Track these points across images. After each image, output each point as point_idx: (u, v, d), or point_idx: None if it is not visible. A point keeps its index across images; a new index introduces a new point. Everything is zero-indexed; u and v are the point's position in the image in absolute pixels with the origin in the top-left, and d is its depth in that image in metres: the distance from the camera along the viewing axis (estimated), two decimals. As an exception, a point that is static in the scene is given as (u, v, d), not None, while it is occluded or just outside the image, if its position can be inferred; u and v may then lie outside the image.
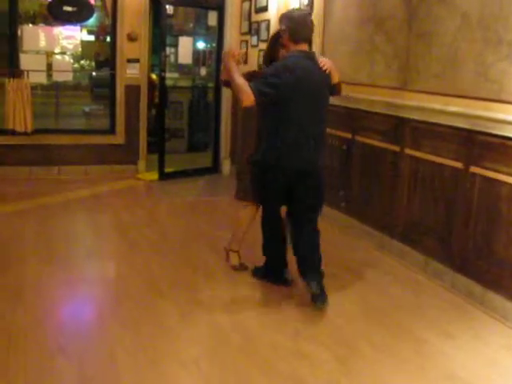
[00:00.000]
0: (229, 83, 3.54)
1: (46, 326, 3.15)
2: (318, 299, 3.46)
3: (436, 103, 3.95)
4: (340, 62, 4.99)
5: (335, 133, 5.07)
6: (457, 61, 3.79)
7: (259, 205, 3.84)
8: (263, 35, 6.36)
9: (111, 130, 6.96)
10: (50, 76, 6.81)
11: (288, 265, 3.81)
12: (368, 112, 4.72)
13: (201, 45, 8.64)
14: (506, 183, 3.42)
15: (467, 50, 3.71)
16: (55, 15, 6.61)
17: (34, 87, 6.65)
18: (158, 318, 3.29)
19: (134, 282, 3.80)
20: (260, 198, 3.76)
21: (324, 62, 3.54)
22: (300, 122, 3.44)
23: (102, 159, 6.88)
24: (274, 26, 5.81)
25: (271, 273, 3.83)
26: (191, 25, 8.92)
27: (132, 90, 6.85)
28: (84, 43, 7.34)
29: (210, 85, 7.91)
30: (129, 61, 6.76)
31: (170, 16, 7.26)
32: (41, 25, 6.98)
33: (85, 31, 7.64)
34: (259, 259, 3.92)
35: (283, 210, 3.76)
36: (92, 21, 7.19)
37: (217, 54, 7.30)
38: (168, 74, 7.05)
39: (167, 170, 6.91)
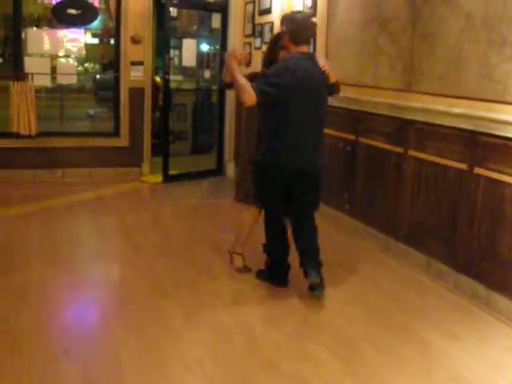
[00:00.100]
0: (230, 85, 3.56)
1: (51, 328, 3.16)
2: (316, 288, 3.54)
3: (440, 105, 3.94)
4: (344, 64, 5.01)
5: (339, 134, 5.07)
6: (461, 62, 3.78)
7: (261, 207, 3.85)
8: (267, 37, 6.35)
9: (115, 133, 6.97)
10: (54, 79, 6.80)
11: (291, 267, 3.81)
12: (372, 114, 4.70)
13: (205, 47, 8.64)
14: (510, 184, 3.41)
15: (471, 50, 3.70)
16: (59, 18, 6.64)
17: (38, 90, 6.66)
18: (162, 320, 3.29)
19: (138, 284, 3.80)
20: (261, 198, 3.78)
21: (323, 63, 3.58)
22: (300, 122, 3.47)
23: (106, 162, 6.88)
24: (278, 28, 5.81)
25: (275, 275, 3.83)
26: (195, 27, 8.93)
27: (136, 93, 6.86)
28: (88, 46, 7.35)
29: (214, 87, 7.92)
30: (133, 63, 6.77)
31: (173, 18, 7.25)
32: (45, 28, 7.01)
33: (89, 34, 7.67)
34: (263, 261, 3.92)
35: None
36: (96, 24, 7.21)
37: (220, 56, 7.32)
38: (172, 77, 7.04)
39: (171, 172, 6.91)
